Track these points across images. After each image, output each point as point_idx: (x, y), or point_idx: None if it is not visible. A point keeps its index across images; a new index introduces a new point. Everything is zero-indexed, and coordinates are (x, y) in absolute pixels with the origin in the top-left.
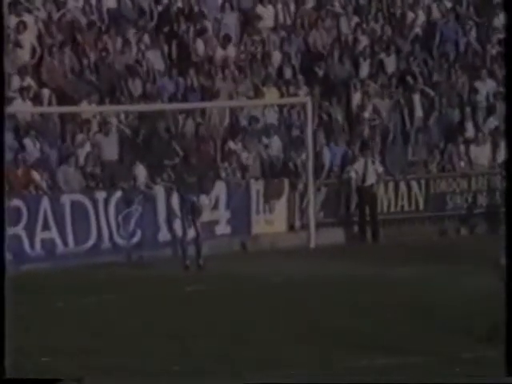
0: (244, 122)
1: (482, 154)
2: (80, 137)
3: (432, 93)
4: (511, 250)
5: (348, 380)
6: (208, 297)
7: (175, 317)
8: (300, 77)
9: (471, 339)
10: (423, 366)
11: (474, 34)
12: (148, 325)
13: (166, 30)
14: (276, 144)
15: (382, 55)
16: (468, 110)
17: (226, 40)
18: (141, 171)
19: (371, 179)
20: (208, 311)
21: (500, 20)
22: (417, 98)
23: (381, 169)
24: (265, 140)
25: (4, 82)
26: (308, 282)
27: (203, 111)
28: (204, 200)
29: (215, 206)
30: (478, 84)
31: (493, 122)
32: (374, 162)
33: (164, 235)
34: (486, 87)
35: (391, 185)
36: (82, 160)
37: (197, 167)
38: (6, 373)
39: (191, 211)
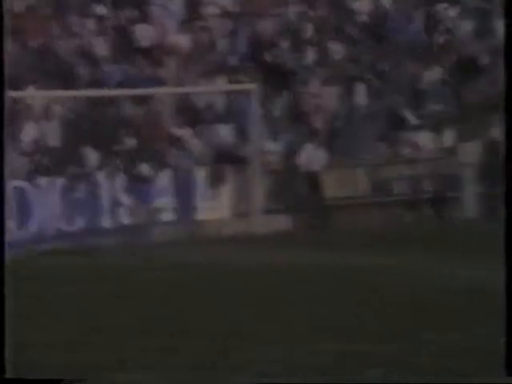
0: (191, 109)
1: (427, 139)
2: (24, 122)
3: (377, 80)
4: (511, 249)
5: (348, 380)
6: (155, 285)
7: (121, 306)
8: (247, 64)
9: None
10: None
11: (421, 22)
12: (93, 314)
13: (111, 15)
14: (222, 131)
15: (329, 43)
16: (413, 96)
17: (172, 26)
18: (87, 157)
19: (317, 165)
20: (155, 299)
21: (446, 9)
22: (363, 85)
23: (327, 155)
24: (211, 127)
25: (4, 82)
26: (254, 269)
27: (149, 98)
28: (150, 186)
29: (161, 193)
30: (423, 71)
31: (437, 108)
32: (319, 149)
33: (109, 222)
34: (431, 74)
35: (338, 171)
36: (25, 145)
37: (144, 153)
38: (6, 372)
39: (139, 198)
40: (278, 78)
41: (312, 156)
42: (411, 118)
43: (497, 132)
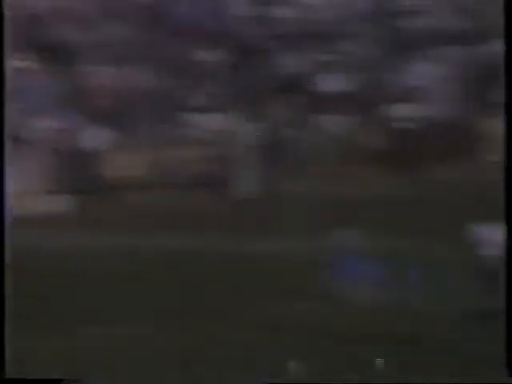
0: None
1: (212, 122)
2: None
3: (162, 61)
4: (511, 248)
5: (348, 380)
6: None
7: None
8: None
9: None
10: None
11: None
12: None
13: None
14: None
15: (111, 23)
16: (196, 78)
17: None
18: None
19: (103, 145)
20: None
21: None
22: (148, 65)
23: (113, 134)
24: None
25: (4, 82)
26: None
27: None
28: None
29: None
30: (206, 53)
31: (221, 90)
32: (103, 128)
33: None
34: (215, 57)
35: (122, 152)
36: None
37: None
38: (6, 373)
39: None
40: (59, 55)
41: (95, 136)
42: (196, 99)
43: (277, 115)
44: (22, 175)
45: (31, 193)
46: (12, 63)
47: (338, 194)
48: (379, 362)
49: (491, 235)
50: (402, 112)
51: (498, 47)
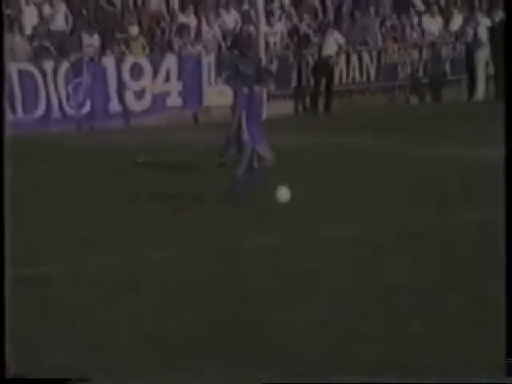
0: None
1: (433, 24)
2: (23, 5)
3: None
4: (510, 247)
5: (348, 380)
6: (157, 167)
7: (123, 184)
8: None
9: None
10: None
11: None
12: (93, 191)
13: None
14: (229, 17)
15: None
16: None
17: None
18: (91, 42)
19: (330, 50)
20: (156, 180)
21: None
22: None
23: (342, 40)
24: (218, 13)
25: (4, 83)
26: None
27: None
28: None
29: (167, 78)
30: None
31: None
32: (333, 34)
33: (115, 106)
34: None
35: (343, 57)
36: (29, 29)
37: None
38: (6, 373)
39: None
40: None
41: (324, 41)
42: (418, 2)
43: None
44: None
45: None
46: None
47: None
48: None
49: None
50: None
51: None
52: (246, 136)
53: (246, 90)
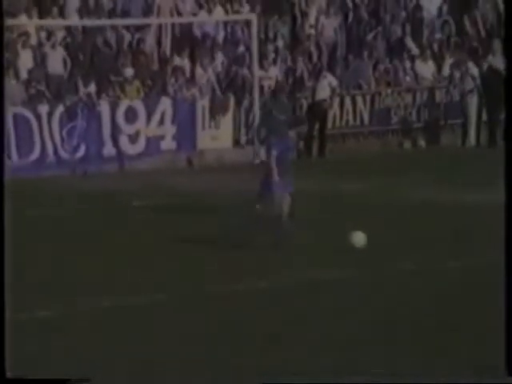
0: (192, 38)
1: (426, 68)
2: (19, 49)
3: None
4: (510, 247)
5: (348, 380)
6: (155, 212)
7: (121, 231)
8: None
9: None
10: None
11: None
12: (92, 235)
13: None
14: (222, 60)
15: None
16: (413, 26)
17: None
18: (88, 87)
19: (323, 94)
20: (155, 226)
21: None
22: (364, 14)
23: (335, 83)
24: (212, 56)
25: (3, 84)
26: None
27: (145, 27)
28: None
29: (161, 122)
30: (423, 1)
31: (438, 37)
32: (326, 77)
33: (109, 150)
34: (432, 4)
35: (336, 100)
36: (24, 73)
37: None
38: (6, 373)
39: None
40: (275, 7)
41: (317, 84)
42: (412, 46)
43: (497, 59)
44: (243, 124)
45: (251, 142)
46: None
47: None
48: None
49: None
50: None
51: None
52: (276, 184)
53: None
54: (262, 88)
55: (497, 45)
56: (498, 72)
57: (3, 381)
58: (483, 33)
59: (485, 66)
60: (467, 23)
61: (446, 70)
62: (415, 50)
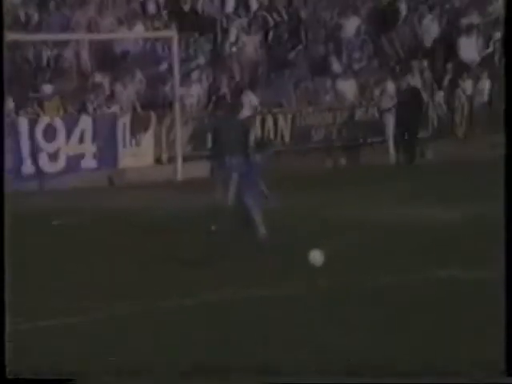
0: (112, 55)
1: (347, 87)
2: None
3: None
4: (510, 246)
5: (348, 380)
6: (76, 230)
7: (41, 250)
8: (165, 12)
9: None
10: None
11: None
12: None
13: None
14: (143, 77)
15: None
16: (333, 45)
17: None
18: (6, 104)
19: (245, 112)
20: (77, 245)
21: None
22: (284, 33)
23: (256, 101)
24: (133, 73)
25: (3, 85)
26: (177, 214)
27: (64, 43)
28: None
29: (81, 140)
30: (342, 20)
31: (357, 56)
32: (247, 95)
33: (28, 168)
34: (351, 23)
35: (258, 118)
36: None
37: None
38: (7, 373)
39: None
40: (197, 25)
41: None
42: (332, 65)
43: (415, 79)
44: (164, 142)
45: (173, 159)
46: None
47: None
48: None
49: None
50: None
51: None
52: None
53: (231, 158)
54: (183, 106)
55: (415, 64)
56: (415, 91)
57: (3, 381)
58: (401, 53)
59: (403, 85)
60: (385, 43)
61: (366, 89)
62: (336, 69)
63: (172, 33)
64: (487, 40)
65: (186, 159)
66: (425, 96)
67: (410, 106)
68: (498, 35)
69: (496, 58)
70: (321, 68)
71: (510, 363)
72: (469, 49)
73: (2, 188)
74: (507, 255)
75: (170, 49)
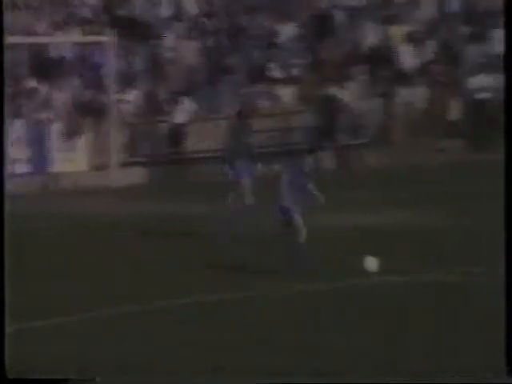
0: (48, 60)
1: (285, 93)
2: None
3: (237, 34)
4: (510, 248)
5: (348, 380)
6: (9, 236)
7: None
8: (102, 16)
9: None
10: None
11: None
12: None
13: None
14: (79, 82)
15: None
16: (271, 51)
17: None
18: None
19: (183, 118)
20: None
21: None
22: (223, 38)
23: (194, 107)
24: (68, 78)
25: (4, 85)
26: (112, 220)
27: None
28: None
29: (15, 145)
30: (279, 27)
31: (295, 62)
32: (185, 101)
33: None
34: (288, 30)
35: (198, 124)
36: None
37: None
38: (7, 373)
39: None
40: (134, 30)
41: (176, 108)
42: (271, 71)
43: (353, 85)
44: (99, 148)
45: (108, 165)
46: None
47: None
48: None
49: None
50: (480, 83)
51: None
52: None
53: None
54: (119, 112)
55: (353, 72)
56: (332, 98)
57: (3, 381)
58: (339, 60)
59: (344, 92)
60: (323, 50)
61: (305, 95)
62: (275, 75)
63: (108, 38)
64: (423, 48)
65: (121, 165)
66: (351, 104)
67: (326, 113)
68: (433, 43)
69: (432, 65)
70: (259, 74)
71: (510, 363)
72: (406, 56)
73: (2, 188)
74: (507, 255)
75: (106, 54)
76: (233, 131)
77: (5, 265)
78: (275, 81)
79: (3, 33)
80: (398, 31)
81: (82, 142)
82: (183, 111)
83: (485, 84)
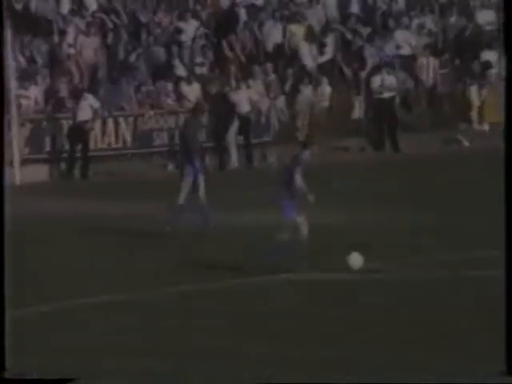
0: None
1: (190, 91)
2: None
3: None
4: (510, 246)
5: (348, 380)
6: None
7: None
8: None
9: None
10: None
11: None
12: None
13: None
14: None
15: None
16: (174, 48)
17: None
18: None
19: (85, 115)
20: None
21: None
22: (124, 35)
23: (97, 104)
24: None
25: (4, 86)
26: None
27: None
28: None
29: None
30: (182, 24)
31: (200, 61)
32: (87, 98)
33: None
34: (190, 27)
35: (98, 122)
36: None
37: None
38: (7, 373)
39: None
40: (30, 25)
41: (78, 105)
42: (176, 69)
43: (257, 83)
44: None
45: (9, 162)
46: None
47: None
48: None
49: None
50: (383, 82)
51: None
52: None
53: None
54: (19, 106)
55: (256, 70)
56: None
57: (3, 381)
58: (242, 58)
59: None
60: (226, 48)
61: (208, 93)
62: (179, 73)
63: (5, 32)
64: (325, 46)
65: (23, 162)
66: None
67: (220, 111)
68: (331, 41)
69: (334, 64)
70: (162, 71)
71: (510, 363)
72: (309, 55)
73: (1, 188)
74: (507, 255)
75: (2, 49)
76: (186, 127)
77: None
78: (179, 78)
79: (3, 33)
80: (299, 30)
81: None
82: (85, 108)
83: (386, 83)
